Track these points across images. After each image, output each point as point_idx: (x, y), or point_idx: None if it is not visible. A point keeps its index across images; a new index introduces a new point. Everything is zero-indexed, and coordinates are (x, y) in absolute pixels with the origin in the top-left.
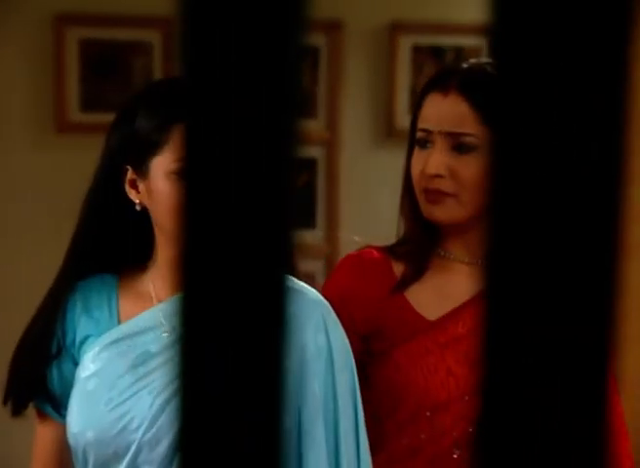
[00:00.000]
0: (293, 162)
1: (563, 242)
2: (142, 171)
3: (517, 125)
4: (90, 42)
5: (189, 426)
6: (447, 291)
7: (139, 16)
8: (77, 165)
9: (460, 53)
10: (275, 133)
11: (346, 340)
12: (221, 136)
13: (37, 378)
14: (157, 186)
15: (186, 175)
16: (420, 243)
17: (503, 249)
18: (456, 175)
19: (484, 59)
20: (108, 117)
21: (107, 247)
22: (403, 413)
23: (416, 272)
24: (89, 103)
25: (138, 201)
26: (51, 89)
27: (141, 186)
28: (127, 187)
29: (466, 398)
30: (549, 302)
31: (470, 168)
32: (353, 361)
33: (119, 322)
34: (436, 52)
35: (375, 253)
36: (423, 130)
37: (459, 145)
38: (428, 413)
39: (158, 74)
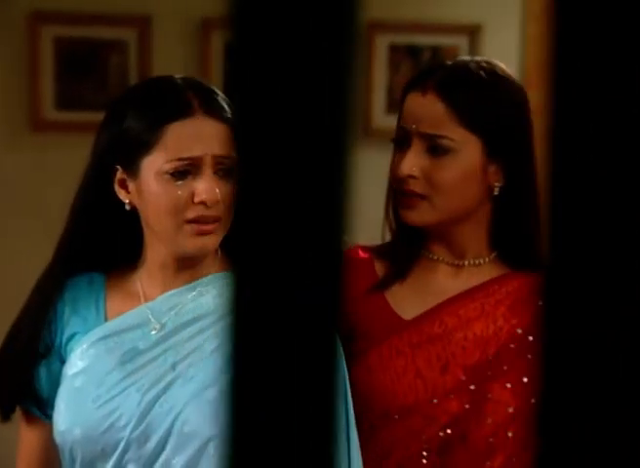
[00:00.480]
0: (346, 162)
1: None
2: (133, 170)
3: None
4: (65, 40)
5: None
6: (428, 291)
7: (114, 14)
8: (52, 163)
9: (436, 52)
10: (328, 134)
11: None
12: (275, 138)
13: (25, 381)
14: (148, 186)
15: (239, 174)
16: (402, 243)
17: (567, 257)
18: (429, 178)
19: (468, 58)
20: (84, 115)
21: (96, 246)
22: (373, 416)
23: (396, 272)
24: (64, 102)
25: (127, 201)
26: (25, 87)
27: (131, 186)
28: (116, 187)
29: (435, 401)
30: (611, 309)
31: (444, 171)
32: (343, 359)
33: (106, 320)
34: (413, 51)
35: (360, 252)
36: (402, 129)
37: (434, 147)
38: (397, 416)
39: (133, 73)
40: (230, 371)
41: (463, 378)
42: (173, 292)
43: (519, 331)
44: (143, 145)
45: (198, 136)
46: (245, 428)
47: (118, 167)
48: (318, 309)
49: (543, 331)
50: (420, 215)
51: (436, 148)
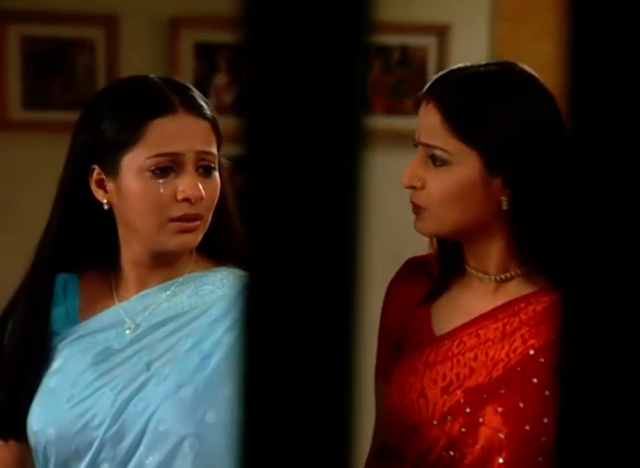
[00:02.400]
0: (359, 161)
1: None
2: (112, 170)
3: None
4: (32, 39)
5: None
6: (461, 307)
7: (81, 13)
8: (19, 163)
9: (405, 52)
10: (339, 132)
11: None
12: (285, 136)
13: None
14: (129, 185)
15: (248, 170)
16: (441, 256)
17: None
18: (426, 188)
19: (484, 62)
20: (51, 115)
21: (71, 246)
22: (389, 434)
23: (437, 286)
24: (31, 101)
25: (105, 201)
26: None
27: (110, 186)
28: (94, 187)
29: (435, 422)
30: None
31: (438, 182)
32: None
33: (80, 320)
34: (382, 51)
35: (416, 263)
36: (414, 139)
37: (432, 158)
38: (404, 435)
39: (101, 72)
40: (242, 380)
41: (461, 400)
42: (147, 291)
43: (532, 352)
44: (123, 143)
45: (180, 132)
46: (256, 430)
47: (95, 167)
48: (332, 311)
49: (561, 349)
50: (425, 226)
51: (434, 159)
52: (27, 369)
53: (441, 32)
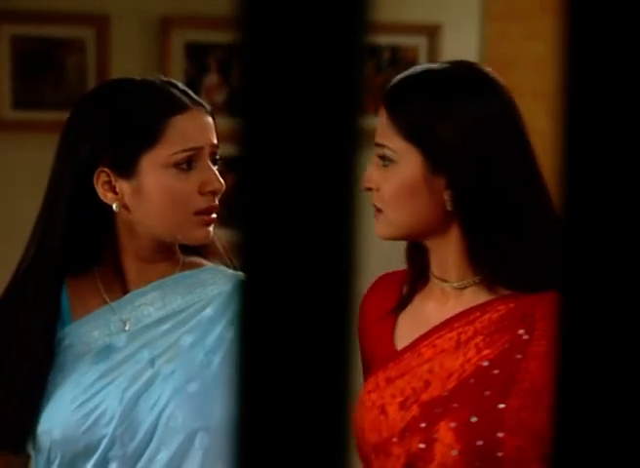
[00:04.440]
0: (353, 164)
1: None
2: (127, 171)
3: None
4: (22, 39)
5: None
6: (422, 317)
7: (72, 13)
8: (9, 163)
9: (396, 52)
10: (336, 131)
11: None
12: (282, 134)
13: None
14: (152, 182)
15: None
16: (409, 265)
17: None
18: (380, 189)
19: (439, 62)
20: (41, 115)
21: (70, 250)
22: (359, 452)
23: (403, 297)
24: (21, 101)
25: (116, 203)
26: None
27: (124, 186)
28: (101, 190)
29: (394, 439)
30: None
31: (387, 182)
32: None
33: (72, 321)
34: (372, 51)
35: (390, 275)
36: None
37: (382, 157)
38: (369, 455)
39: (92, 72)
40: (238, 383)
41: (417, 415)
42: (139, 290)
43: (485, 363)
44: (143, 143)
45: (198, 127)
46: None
47: (104, 169)
48: (330, 315)
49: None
50: (381, 229)
51: (384, 159)
52: (37, 379)
53: (432, 32)
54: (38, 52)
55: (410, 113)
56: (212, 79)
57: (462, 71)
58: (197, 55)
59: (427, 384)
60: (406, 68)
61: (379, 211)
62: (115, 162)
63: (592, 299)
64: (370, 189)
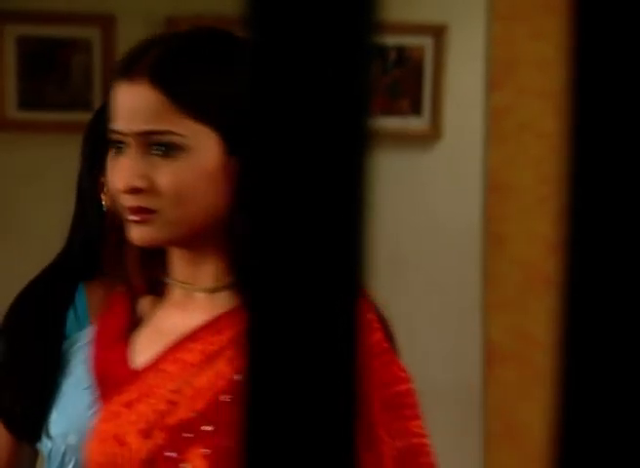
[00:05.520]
0: (364, 163)
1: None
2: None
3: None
4: (28, 39)
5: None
6: (164, 330)
7: (78, 13)
8: (15, 163)
9: (402, 52)
10: (344, 132)
11: None
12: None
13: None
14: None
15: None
16: (139, 271)
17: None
18: (157, 187)
19: (187, 30)
20: (46, 115)
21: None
22: None
23: (138, 308)
24: (27, 101)
25: (104, 201)
26: None
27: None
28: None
29: None
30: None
31: (176, 175)
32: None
33: (91, 324)
34: (377, 51)
35: (108, 282)
36: (114, 130)
37: (158, 147)
38: None
39: (97, 72)
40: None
41: (162, 443)
42: None
43: (238, 376)
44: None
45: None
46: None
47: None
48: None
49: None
50: (155, 233)
51: (161, 148)
52: (45, 374)
53: (438, 32)
54: (43, 52)
55: (198, 88)
56: None
57: (223, 39)
58: None
59: (174, 406)
60: (412, 69)
61: (149, 212)
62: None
63: None
64: (137, 190)
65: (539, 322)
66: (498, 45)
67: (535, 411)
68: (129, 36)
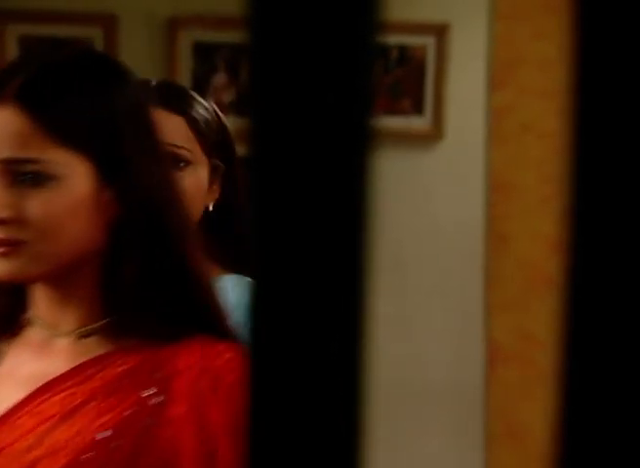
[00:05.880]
0: (367, 164)
1: None
2: None
3: None
4: (30, 39)
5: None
6: (21, 377)
7: (80, 12)
8: None
9: (404, 51)
10: (347, 131)
11: None
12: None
13: None
14: None
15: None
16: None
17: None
18: (25, 218)
19: (56, 55)
20: None
21: None
22: None
23: None
24: None
25: None
26: None
27: None
28: None
29: None
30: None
31: (46, 205)
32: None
33: None
34: (379, 50)
35: None
36: None
37: (24, 175)
38: None
39: None
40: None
41: None
42: None
43: (104, 434)
44: None
45: None
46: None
47: None
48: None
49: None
50: (18, 268)
51: (30, 176)
52: None
53: (440, 32)
54: None
55: (70, 116)
56: (220, 79)
57: (95, 60)
58: (205, 55)
59: (32, 465)
60: (414, 68)
61: (15, 244)
62: None
63: None
64: (1, 221)
65: (541, 322)
66: (500, 45)
67: (537, 412)
68: (130, 36)
